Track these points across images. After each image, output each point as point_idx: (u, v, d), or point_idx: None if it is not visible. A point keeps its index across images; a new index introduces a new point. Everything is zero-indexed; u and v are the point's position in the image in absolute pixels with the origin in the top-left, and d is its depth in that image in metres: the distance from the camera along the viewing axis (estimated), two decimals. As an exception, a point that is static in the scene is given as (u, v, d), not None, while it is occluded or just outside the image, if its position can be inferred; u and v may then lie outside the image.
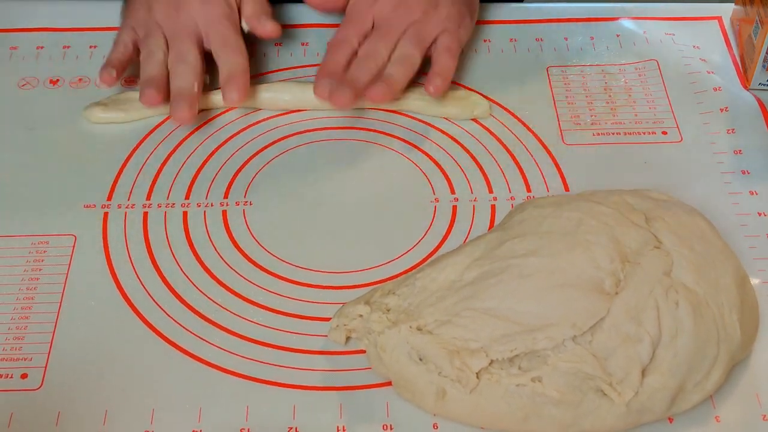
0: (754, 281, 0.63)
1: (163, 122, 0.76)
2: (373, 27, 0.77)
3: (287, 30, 0.85)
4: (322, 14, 0.84)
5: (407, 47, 0.76)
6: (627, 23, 0.85)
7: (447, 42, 0.77)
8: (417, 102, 0.77)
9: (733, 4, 0.85)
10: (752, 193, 0.70)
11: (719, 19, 0.86)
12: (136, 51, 0.77)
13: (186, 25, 0.76)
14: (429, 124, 0.76)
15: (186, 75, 0.74)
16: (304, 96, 0.76)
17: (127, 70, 0.78)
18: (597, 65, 0.81)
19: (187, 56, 0.75)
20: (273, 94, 0.77)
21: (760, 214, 0.68)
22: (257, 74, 0.81)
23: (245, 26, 0.78)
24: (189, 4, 0.77)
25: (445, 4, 0.78)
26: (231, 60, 0.75)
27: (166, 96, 0.74)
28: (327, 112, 0.77)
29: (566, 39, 0.84)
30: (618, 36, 0.84)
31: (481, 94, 0.78)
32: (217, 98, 0.77)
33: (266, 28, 0.78)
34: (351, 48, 0.76)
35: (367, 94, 0.72)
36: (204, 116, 0.77)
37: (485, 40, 0.84)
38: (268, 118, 0.77)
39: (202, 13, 0.77)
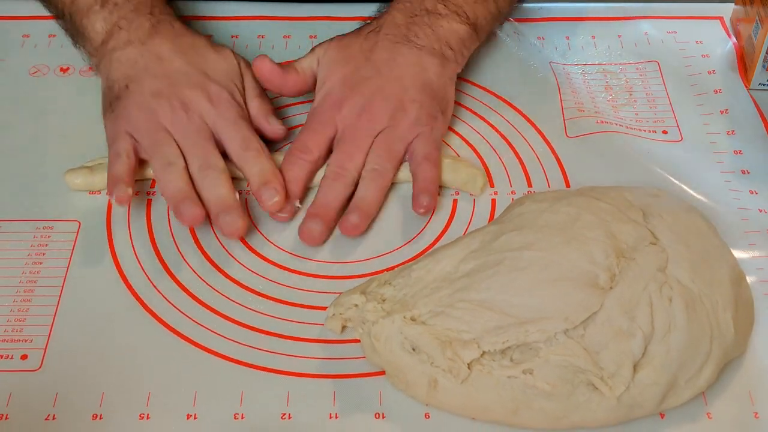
0: (752, 279, 0.63)
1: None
2: (336, 135, 0.71)
3: (269, 22, 0.86)
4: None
5: (378, 161, 0.69)
6: (628, 23, 0.85)
7: (424, 150, 0.69)
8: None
9: (733, 4, 0.85)
10: (752, 192, 0.70)
11: (721, 19, 0.86)
12: (138, 160, 0.69)
13: (200, 128, 0.69)
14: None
15: (222, 182, 0.67)
16: None
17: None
18: (598, 64, 0.81)
19: (215, 161, 0.68)
20: None
21: (760, 211, 0.68)
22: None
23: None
24: (198, 105, 0.70)
25: (413, 107, 0.70)
26: (260, 164, 0.68)
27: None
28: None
29: (567, 38, 0.84)
30: (619, 36, 0.84)
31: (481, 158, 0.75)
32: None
33: (274, 127, 0.73)
34: (312, 158, 0.69)
35: (341, 229, 0.67)
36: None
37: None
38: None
39: (214, 115, 0.70)
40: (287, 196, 0.68)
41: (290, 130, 0.75)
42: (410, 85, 0.71)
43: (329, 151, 0.71)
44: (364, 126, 0.70)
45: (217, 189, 0.67)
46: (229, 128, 0.69)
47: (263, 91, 0.74)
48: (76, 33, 0.76)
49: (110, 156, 0.69)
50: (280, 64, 0.73)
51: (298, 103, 0.79)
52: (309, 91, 0.75)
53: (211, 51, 0.74)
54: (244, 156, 0.69)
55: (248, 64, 0.75)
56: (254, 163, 0.68)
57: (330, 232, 0.67)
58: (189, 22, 0.84)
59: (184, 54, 0.72)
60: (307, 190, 0.70)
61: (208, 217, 0.66)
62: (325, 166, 0.70)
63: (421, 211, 0.67)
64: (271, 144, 0.72)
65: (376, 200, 0.68)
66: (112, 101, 0.71)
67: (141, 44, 0.72)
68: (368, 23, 0.76)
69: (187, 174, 0.67)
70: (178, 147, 0.68)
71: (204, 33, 0.81)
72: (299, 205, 0.69)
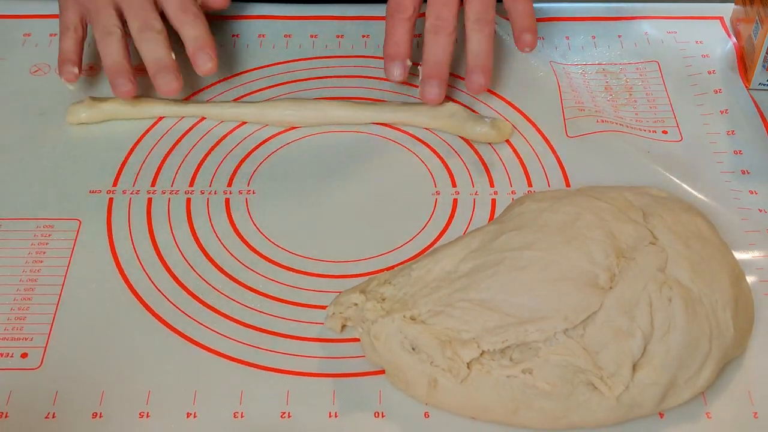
0: (752, 279, 0.63)
1: (171, 110, 0.77)
2: None
3: (269, 22, 0.86)
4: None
5: (478, 8, 0.71)
6: (628, 23, 0.85)
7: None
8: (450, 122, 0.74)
9: (733, 4, 0.85)
10: (752, 192, 0.70)
11: (721, 19, 0.86)
12: (85, 27, 0.73)
13: None
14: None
15: (159, 43, 0.71)
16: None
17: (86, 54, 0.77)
18: (598, 64, 0.82)
19: (153, 23, 0.71)
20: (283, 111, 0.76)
21: (760, 211, 0.68)
22: (242, 71, 0.82)
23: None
24: None
25: None
26: (197, 28, 0.72)
27: (136, 78, 0.71)
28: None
29: (567, 38, 0.84)
30: (619, 36, 0.84)
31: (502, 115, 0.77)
32: None
33: None
34: (409, 15, 0.72)
35: (470, 89, 0.71)
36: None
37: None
38: (273, 109, 0.78)
39: None
40: (402, 57, 0.72)
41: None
42: None
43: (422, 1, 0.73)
44: None
45: (155, 50, 0.70)
46: None
47: None
48: None
49: (60, 29, 0.73)
50: None
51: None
52: None
53: None
54: (181, 19, 0.72)
55: None
56: (191, 26, 0.71)
57: (446, 90, 0.72)
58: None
59: None
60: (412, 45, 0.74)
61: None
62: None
63: (527, 49, 0.71)
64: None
65: (491, 51, 0.71)
66: None
67: None
68: None
69: (124, 43, 0.71)
70: (120, 13, 0.72)
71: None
72: (410, 64, 0.73)
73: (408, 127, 0.76)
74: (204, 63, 0.71)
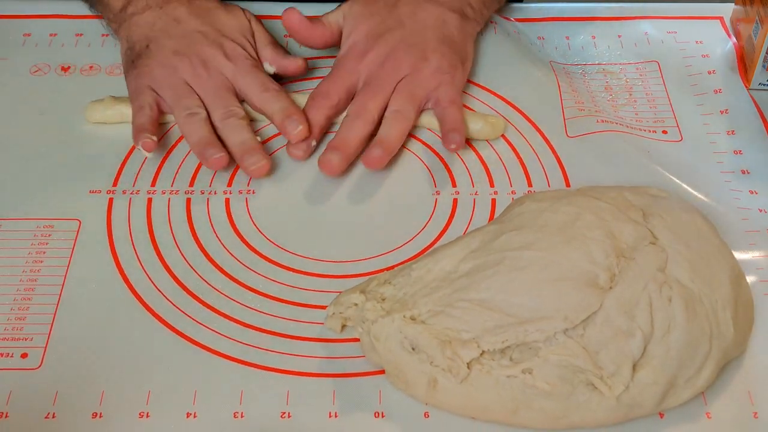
0: (752, 279, 0.63)
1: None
2: (359, 83, 0.75)
3: (269, 22, 0.85)
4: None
5: (400, 102, 0.72)
6: (628, 23, 0.85)
7: (448, 95, 0.73)
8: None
9: (733, 4, 0.85)
10: (752, 192, 0.70)
11: (721, 19, 0.86)
12: (160, 113, 0.74)
13: (220, 81, 0.74)
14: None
15: (244, 128, 0.72)
16: None
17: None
18: (598, 64, 0.82)
19: (236, 110, 0.73)
20: None
21: (760, 211, 0.68)
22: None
23: (270, 69, 0.77)
24: (216, 61, 0.74)
25: (435, 57, 0.74)
26: (281, 101, 0.73)
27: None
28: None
29: (567, 38, 0.84)
30: (619, 36, 0.84)
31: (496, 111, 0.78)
32: None
33: (294, 60, 0.77)
34: (331, 104, 0.73)
35: (364, 161, 0.70)
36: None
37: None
38: (273, 109, 0.78)
39: (231, 68, 0.74)
40: (311, 137, 0.72)
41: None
42: (432, 37, 0.76)
43: (350, 99, 0.75)
44: (386, 73, 0.74)
45: (239, 134, 0.71)
46: (246, 78, 0.74)
47: (274, 39, 0.79)
48: (97, 2, 0.81)
49: (134, 109, 0.73)
50: (307, 17, 0.78)
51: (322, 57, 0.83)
52: (335, 44, 0.79)
53: (223, 11, 0.79)
54: (264, 97, 0.73)
55: (257, 19, 0.80)
56: (275, 101, 0.73)
57: (348, 164, 0.71)
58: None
59: (199, 16, 0.77)
60: (325, 133, 0.75)
61: (232, 161, 0.71)
62: (345, 113, 0.74)
63: (453, 146, 0.70)
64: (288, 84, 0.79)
65: (398, 139, 0.72)
66: (134, 59, 0.76)
67: (158, 8, 0.77)
68: None
69: (209, 123, 0.72)
70: (200, 100, 0.73)
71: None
72: (314, 143, 0.73)
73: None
74: (293, 127, 0.71)
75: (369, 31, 0.76)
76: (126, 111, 0.75)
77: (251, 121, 0.75)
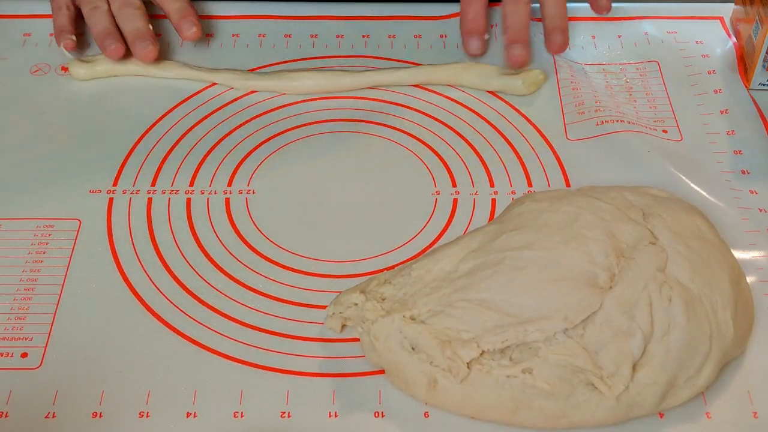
0: (752, 279, 0.63)
1: (171, 110, 0.78)
2: None
3: (269, 21, 0.87)
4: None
5: None
6: (628, 24, 0.86)
7: None
8: (500, 82, 0.79)
9: (733, 4, 0.85)
10: (752, 192, 0.70)
11: (721, 19, 0.86)
12: (76, 10, 0.81)
13: None
14: (433, 117, 0.77)
15: (137, 16, 0.78)
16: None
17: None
18: (598, 64, 0.82)
19: (134, 2, 0.79)
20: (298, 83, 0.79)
21: (760, 210, 0.68)
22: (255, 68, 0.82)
23: None
24: None
25: None
26: (179, 1, 0.79)
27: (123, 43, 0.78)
28: (335, 102, 0.78)
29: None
30: (619, 36, 0.84)
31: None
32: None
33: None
34: None
35: (550, 49, 0.79)
36: (211, 105, 0.78)
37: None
38: (272, 110, 0.78)
39: None
40: (478, 31, 0.79)
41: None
42: None
43: None
44: None
45: (133, 22, 0.78)
46: None
47: None
48: None
49: (53, 10, 0.81)
50: None
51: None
52: None
53: None
54: None
55: None
56: (174, 1, 0.79)
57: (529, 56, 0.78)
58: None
59: None
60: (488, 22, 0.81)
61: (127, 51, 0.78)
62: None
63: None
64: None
65: (565, 14, 0.79)
66: None
67: None
68: None
69: (110, 15, 0.79)
70: None
71: (205, 32, 0.84)
72: (487, 38, 0.80)
73: (435, 86, 0.80)
74: (188, 28, 0.78)
75: None
76: (113, 66, 0.80)
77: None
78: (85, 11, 0.80)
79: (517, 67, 0.79)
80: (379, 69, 0.80)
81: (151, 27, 0.79)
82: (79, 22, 0.82)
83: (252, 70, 0.81)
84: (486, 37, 0.80)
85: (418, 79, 0.79)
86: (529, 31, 0.79)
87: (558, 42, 0.78)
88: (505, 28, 0.79)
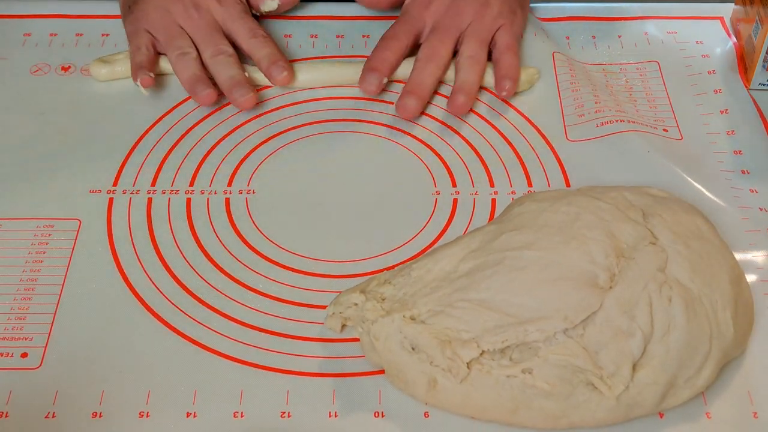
0: (752, 279, 0.63)
1: (171, 110, 0.78)
2: (425, 30, 0.78)
3: (269, 22, 0.86)
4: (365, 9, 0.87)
5: (473, 47, 0.77)
6: (628, 24, 0.85)
7: (506, 40, 0.78)
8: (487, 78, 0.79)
9: (733, 4, 0.85)
10: (752, 192, 0.70)
11: (721, 19, 0.86)
12: (156, 54, 0.79)
13: (210, 23, 0.78)
14: (433, 117, 0.77)
15: (232, 64, 0.76)
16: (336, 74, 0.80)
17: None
18: (598, 64, 0.82)
19: (226, 49, 0.77)
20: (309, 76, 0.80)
21: (761, 210, 0.68)
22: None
23: (272, 5, 0.83)
24: (207, 4, 0.79)
25: (496, 3, 0.78)
26: (267, 47, 0.78)
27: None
28: (334, 102, 0.78)
29: (567, 38, 0.85)
30: (619, 36, 0.84)
31: None
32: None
33: None
34: (400, 45, 0.77)
35: (451, 109, 0.75)
36: (209, 107, 0.78)
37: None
38: (273, 110, 0.78)
39: (222, 11, 0.79)
40: (378, 71, 0.76)
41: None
42: None
43: (415, 44, 0.79)
44: (452, 20, 0.78)
45: (228, 70, 0.76)
46: (236, 21, 0.79)
47: None
48: None
49: (131, 50, 0.78)
50: None
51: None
52: (399, 4, 0.83)
53: None
54: (252, 42, 0.78)
55: None
56: (262, 47, 0.78)
57: (423, 108, 0.76)
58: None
59: None
60: (393, 73, 0.78)
61: (221, 95, 0.77)
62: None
63: (504, 93, 0.76)
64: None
65: (477, 83, 0.76)
66: (131, 5, 0.80)
67: None
68: None
69: (200, 62, 0.77)
70: (192, 41, 0.78)
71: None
72: (386, 81, 0.77)
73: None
74: (279, 73, 0.76)
75: None
76: (120, 70, 0.79)
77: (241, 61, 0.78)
78: (172, 56, 0.77)
79: (405, 118, 0.76)
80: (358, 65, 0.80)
81: (246, 74, 0.77)
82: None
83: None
84: (385, 80, 0.77)
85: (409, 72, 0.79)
86: (430, 92, 0.76)
87: (459, 101, 0.75)
88: (409, 79, 0.76)
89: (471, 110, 0.77)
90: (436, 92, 0.78)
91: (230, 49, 0.78)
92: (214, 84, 0.77)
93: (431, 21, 0.78)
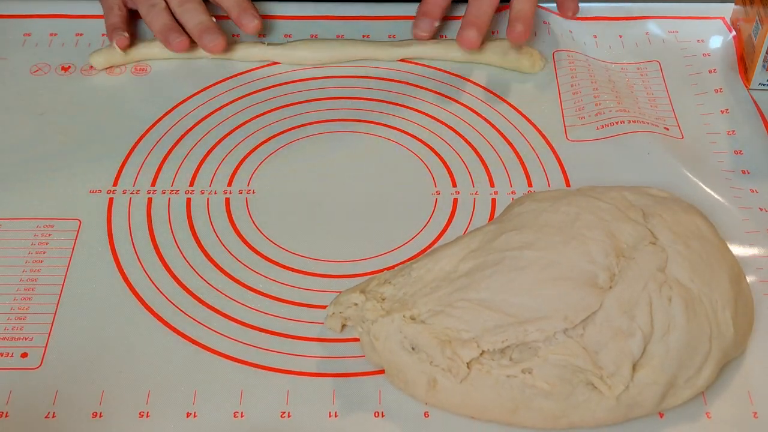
0: (752, 279, 0.63)
1: (171, 110, 0.78)
2: None
3: (268, 22, 0.86)
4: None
5: None
6: (629, 23, 0.85)
7: None
8: (493, 56, 0.80)
9: (733, 4, 0.85)
10: (752, 191, 0.70)
11: (722, 19, 0.86)
12: (128, 12, 0.81)
13: None
14: (433, 117, 0.77)
15: (200, 11, 0.79)
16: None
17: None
18: (600, 61, 0.81)
19: None
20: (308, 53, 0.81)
21: (761, 210, 0.68)
22: (242, 72, 0.82)
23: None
24: None
25: None
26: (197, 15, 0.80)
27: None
28: (333, 101, 0.78)
29: (570, 32, 0.84)
30: (620, 36, 0.84)
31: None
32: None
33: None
34: None
35: (510, 36, 0.76)
36: (211, 105, 0.78)
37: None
38: (273, 110, 0.78)
39: None
40: (429, 15, 0.79)
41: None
42: None
43: None
44: None
45: (196, 16, 0.79)
46: None
47: None
48: None
49: (104, 10, 0.81)
50: None
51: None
52: None
53: None
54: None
55: None
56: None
57: (483, 38, 0.77)
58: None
59: None
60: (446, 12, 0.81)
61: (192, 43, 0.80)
62: None
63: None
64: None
65: (532, 12, 0.77)
66: None
67: None
68: None
69: (169, 11, 0.80)
70: None
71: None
72: (437, 24, 0.79)
73: (437, 62, 0.82)
74: (249, 21, 0.79)
75: None
76: (131, 52, 0.81)
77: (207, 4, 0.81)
78: (142, 10, 0.80)
79: (466, 49, 0.78)
80: (375, 42, 0.82)
81: (214, 19, 0.80)
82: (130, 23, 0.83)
83: (249, 71, 0.82)
84: (437, 23, 0.80)
85: (407, 53, 0.81)
86: (489, 22, 0.78)
87: (518, 31, 0.76)
88: (467, 11, 0.78)
89: (471, 110, 0.77)
90: (432, 90, 0.79)
91: None
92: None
93: None
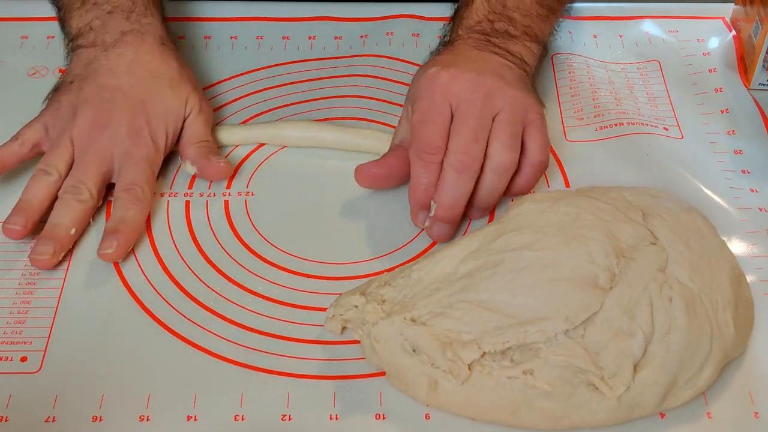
0: (752, 279, 0.63)
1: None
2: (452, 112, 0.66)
3: (268, 23, 0.86)
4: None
5: (503, 152, 0.65)
6: (629, 23, 0.85)
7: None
8: None
9: (733, 4, 0.85)
10: (752, 191, 0.70)
11: (722, 19, 0.86)
12: (34, 151, 0.70)
13: (101, 150, 0.68)
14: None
15: (69, 214, 0.65)
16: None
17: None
18: (600, 61, 0.81)
19: (82, 193, 0.66)
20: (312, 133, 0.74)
21: (761, 210, 0.68)
22: (241, 73, 0.82)
23: (190, 169, 0.71)
24: (115, 130, 0.68)
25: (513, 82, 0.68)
26: (125, 211, 0.66)
27: (35, 225, 0.66)
28: (333, 102, 0.78)
29: (570, 33, 0.84)
30: (620, 36, 0.84)
31: None
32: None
33: (218, 166, 0.70)
34: (440, 159, 0.64)
35: (471, 215, 0.67)
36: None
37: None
38: (273, 110, 0.78)
39: (123, 147, 0.68)
40: (429, 205, 0.65)
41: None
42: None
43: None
44: (480, 105, 0.65)
45: (60, 216, 0.65)
46: (127, 165, 0.68)
47: (209, 140, 0.72)
48: (61, 26, 0.78)
49: (12, 137, 0.70)
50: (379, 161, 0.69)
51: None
52: None
53: (167, 85, 0.72)
54: (120, 196, 0.67)
55: (205, 112, 0.73)
56: (122, 207, 0.66)
57: (457, 228, 0.66)
58: (188, 23, 0.85)
59: (136, 76, 0.71)
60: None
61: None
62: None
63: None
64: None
65: (499, 194, 0.67)
66: (55, 89, 0.73)
67: (104, 50, 0.72)
68: (437, 49, 0.74)
69: (54, 189, 0.67)
70: (71, 159, 0.68)
71: (203, 34, 0.83)
72: (432, 214, 0.65)
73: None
74: (107, 246, 0.64)
75: (438, 62, 0.69)
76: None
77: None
78: (36, 169, 0.67)
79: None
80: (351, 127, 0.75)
81: (73, 232, 0.65)
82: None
83: (248, 72, 0.81)
84: (432, 205, 0.65)
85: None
86: (462, 211, 0.65)
87: (477, 218, 0.67)
88: (439, 197, 0.64)
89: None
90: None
91: (87, 194, 0.66)
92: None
93: (455, 103, 0.66)
